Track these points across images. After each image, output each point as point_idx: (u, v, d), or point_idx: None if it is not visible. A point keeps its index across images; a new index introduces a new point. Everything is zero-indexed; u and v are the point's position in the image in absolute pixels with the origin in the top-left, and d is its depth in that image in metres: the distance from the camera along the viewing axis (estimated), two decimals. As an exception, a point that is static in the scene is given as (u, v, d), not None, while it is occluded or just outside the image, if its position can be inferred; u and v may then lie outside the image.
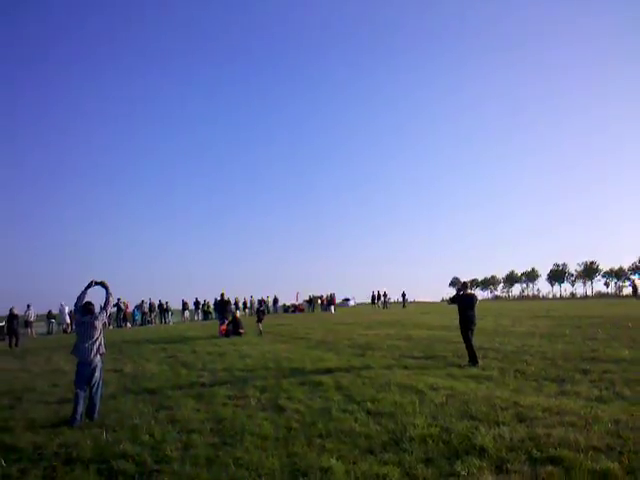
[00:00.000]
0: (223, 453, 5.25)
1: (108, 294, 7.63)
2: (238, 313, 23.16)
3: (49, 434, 6.28)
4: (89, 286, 7.53)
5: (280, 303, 49.08)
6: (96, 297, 7.81)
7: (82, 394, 6.98)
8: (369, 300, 49.11)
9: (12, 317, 21.00)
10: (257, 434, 5.90)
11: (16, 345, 19.91)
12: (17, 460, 5.38)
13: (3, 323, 24.07)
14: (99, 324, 7.37)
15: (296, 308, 48.86)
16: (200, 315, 39.92)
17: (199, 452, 5.32)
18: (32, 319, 27.31)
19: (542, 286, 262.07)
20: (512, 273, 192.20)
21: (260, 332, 20.10)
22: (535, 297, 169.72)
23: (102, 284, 7.60)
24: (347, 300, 67.19)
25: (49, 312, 30.57)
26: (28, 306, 26.97)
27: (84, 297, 7.48)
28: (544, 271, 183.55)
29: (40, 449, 5.73)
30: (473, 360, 10.31)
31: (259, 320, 21.16)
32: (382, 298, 48.57)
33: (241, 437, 5.79)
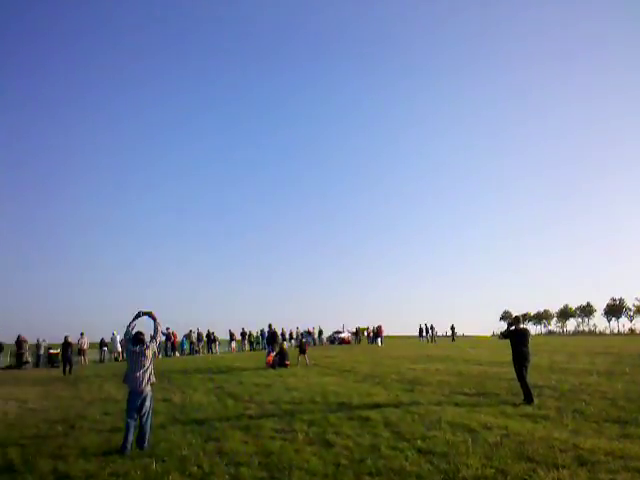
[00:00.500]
0: (271, 488, 5.19)
1: (156, 324, 7.74)
2: (285, 344, 23.17)
3: (100, 462, 6.37)
4: (137, 316, 7.65)
5: (326, 334, 48.83)
6: (145, 327, 7.96)
7: (133, 423, 7.07)
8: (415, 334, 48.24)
9: (66, 345, 21.67)
10: (305, 469, 5.81)
11: (70, 372, 20.45)
12: (70, 487, 5.47)
13: (58, 350, 24.85)
14: (150, 353, 7.48)
15: (342, 340, 48.49)
16: (247, 345, 40.12)
17: (247, 486, 5.28)
18: (85, 347, 28.03)
19: (598, 321, 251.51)
20: (566, 307, 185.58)
21: (306, 363, 20.04)
22: (591, 332, 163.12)
23: (149, 314, 7.71)
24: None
25: (101, 340, 31.36)
26: (81, 334, 27.74)
27: (133, 327, 7.63)
28: (600, 305, 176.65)
29: (92, 477, 5.81)
30: (528, 398, 9.90)
31: (302, 352, 21.10)
32: (430, 331, 47.68)
33: (289, 472, 5.71)
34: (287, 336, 38.98)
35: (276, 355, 20.26)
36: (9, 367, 25.38)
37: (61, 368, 21.34)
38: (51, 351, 26.94)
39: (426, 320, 57.52)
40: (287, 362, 19.88)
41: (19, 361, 25.59)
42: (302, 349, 21.45)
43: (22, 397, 12.98)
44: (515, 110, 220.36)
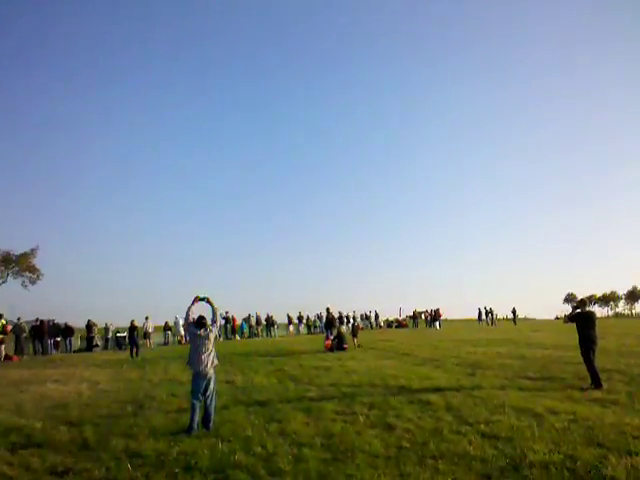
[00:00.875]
0: (334, 469, 5.24)
1: (214, 309, 7.93)
2: (343, 328, 23.28)
3: (169, 442, 6.61)
4: (194, 301, 7.89)
5: (382, 318, 48.67)
6: (203, 312, 8.14)
7: (198, 404, 7.30)
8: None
9: (132, 329, 22.56)
10: (367, 451, 5.83)
11: (137, 355, 21.28)
12: (141, 465, 5.71)
13: (125, 334, 25.95)
14: (212, 337, 7.70)
15: (399, 323, 48.25)
16: (304, 329, 40.60)
17: (310, 466, 5.35)
18: (150, 330, 29.18)
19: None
20: (635, 289, 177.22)
21: (357, 345, 20.27)
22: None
23: (206, 299, 7.93)
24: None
25: (165, 324, 32.48)
26: (146, 318, 28.83)
27: (191, 312, 7.88)
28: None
29: (161, 456, 6.04)
30: (596, 382, 9.54)
31: (354, 335, 21.19)
32: (489, 315, 46.73)
33: (352, 454, 5.75)
34: (344, 320, 39.12)
35: (334, 339, 20.41)
36: (80, 350, 26.72)
37: (128, 351, 22.24)
38: (119, 334, 28.14)
39: (485, 303, 56.42)
40: (345, 345, 20.00)
41: (89, 344, 26.89)
42: (354, 332, 21.60)
43: (94, 379, 13.64)
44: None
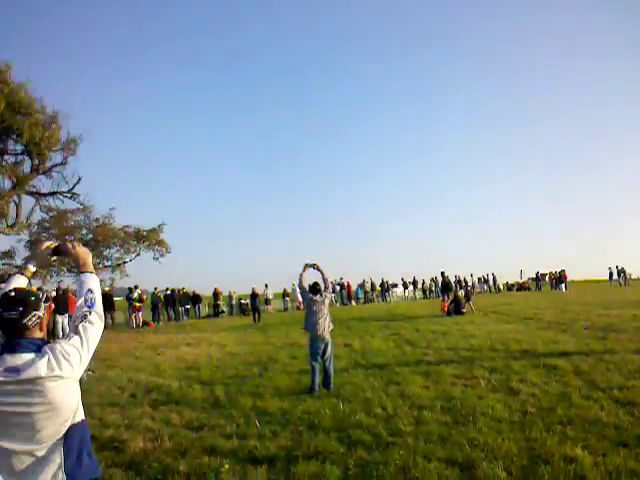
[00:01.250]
0: (456, 432, 5.20)
1: (323, 275, 8.11)
2: (460, 292, 22.79)
3: (293, 401, 6.94)
4: (305, 268, 8.12)
5: (501, 281, 46.78)
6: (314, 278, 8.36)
7: (317, 366, 7.56)
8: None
9: (254, 295, 23.80)
10: (490, 416, 5.71)
11: (259, 320, 22.40)
12: (268, 422, 6.04)
13: (247, 301, 27.35)
14: (327, 301, 7.93)
15: (521, 286, 46.23)
16: (418, 293, 40.26)
17: (431, 429, 5.35)
18: (270, 297, 30.70)
19: None
20: None
21: (471, 310, 19.84)
22: None
23: (315, 267, 8.12)
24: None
25: (284, 291, 33.73)
26: (266, 286, 30.37)
27: (303, 279, 8.12)
28: None
29: (286, 414, 6.36)
30: None
31: (467, 299, 20.64)
32: (622, 275, 43.19)
33: (473, 417, 5.65)
34: (463, 283, 38.19)
35: (451, 303, 20.07)
36: (208, 316, 28.64)
37: (251, 316, 23.45)
38: (242, 301, 29.73)
39: (617, 262, 52.19)
40: (463, 309, 19.60)
41: (215, 311, 28.71)
42: (467, 296, 21.06)
43: (222, 342, 14.57)
44: None
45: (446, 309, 19.86)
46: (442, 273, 24.09)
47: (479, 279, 43.54)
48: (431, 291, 39.75)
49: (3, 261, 24.22)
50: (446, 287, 22.70)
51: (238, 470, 4.57)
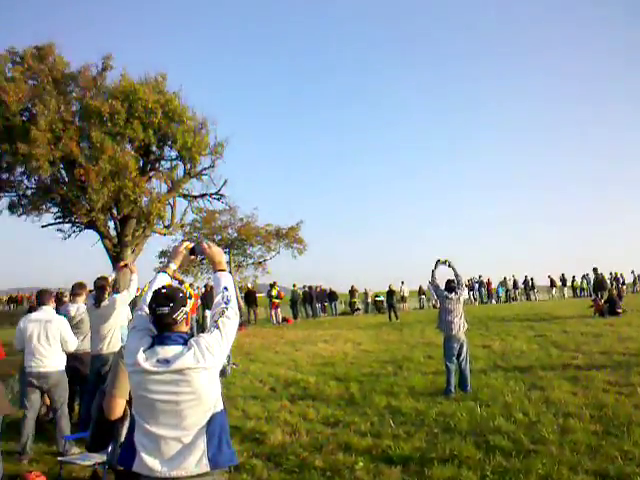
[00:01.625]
0: (607, 443, 4.77)
1: (455, 272, 7.84)
2: (614, 290, 20.89)
3: (428, 402, 6.83)
4: (436, 265, 7.92)
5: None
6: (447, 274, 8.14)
7: (452, 367, 7.36)
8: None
9: (390, 292, 23.75)
10: (647, 427, 5.16)
11: (396, 318, 22.31)
12: (402, 422, 6.01)
13: (383, 298, 27.42)
14: (462, 300, 7.70)
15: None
16: (567, 292, 37.27)
17: (578, 438, 4.95)
18: (406, 295, 30.47)
19: None
20: None
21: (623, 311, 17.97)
22: None
23: (446, 263, 7.88)
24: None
25: (420, 288, 33.30)
26: (402, 283, 30.23)
27: (435, 274, 7.93)
28: None
29: (421, 415, 6.28)
30: None
31: (620, 298, 18.74)
32: None
33: (628, 428, 5.12)
34: (620, 280, 34.69)
35: (605, 302, 18.45)
36: (344, 313, 29.15)
37: (387, 314, 23.43)
38: (377, 299, 29.84)
39: None
40: (619, 310, 17.90)
41: (351, 308, 29.12)
42: (619, 295, 19.17)
43: (357, 340, 14.73)
44: None
45: (599, 309, 18.29)
46: (595, 269, 22.27)
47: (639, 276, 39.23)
48: (582, 289, 36.61)
49: (161, 259, 26.75)
50: (600, 285, 20.95)
51: (372, 469, 4.60)
